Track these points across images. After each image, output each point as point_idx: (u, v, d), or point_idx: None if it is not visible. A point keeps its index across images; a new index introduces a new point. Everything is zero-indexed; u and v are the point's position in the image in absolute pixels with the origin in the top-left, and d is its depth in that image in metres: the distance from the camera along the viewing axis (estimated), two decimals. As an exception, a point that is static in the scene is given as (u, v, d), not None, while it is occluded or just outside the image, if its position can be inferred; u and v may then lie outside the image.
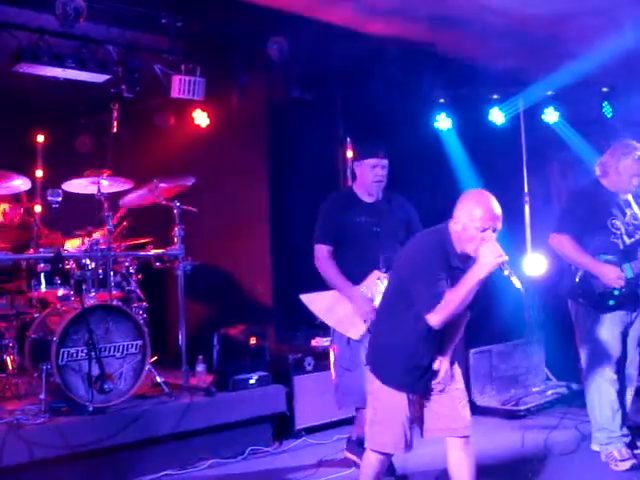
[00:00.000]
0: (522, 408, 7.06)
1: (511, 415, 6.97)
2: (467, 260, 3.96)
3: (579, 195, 5.56)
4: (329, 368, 5.62)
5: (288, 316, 7.19)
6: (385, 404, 4.12)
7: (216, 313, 7.64)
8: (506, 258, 3.78)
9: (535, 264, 8.01)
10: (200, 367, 6.37)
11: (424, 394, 4.14)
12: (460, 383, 4.23)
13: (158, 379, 6.10)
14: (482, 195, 4.01)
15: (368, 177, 5.27)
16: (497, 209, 3.95)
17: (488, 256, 3.78)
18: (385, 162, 5.28)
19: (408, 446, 4.12)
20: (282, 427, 6.37)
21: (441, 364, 4.12)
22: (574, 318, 5.55)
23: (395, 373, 4.09)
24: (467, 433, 4.13)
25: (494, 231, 3.91)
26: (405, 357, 4.06)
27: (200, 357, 6.41)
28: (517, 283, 3.83)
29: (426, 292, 3.87)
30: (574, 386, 7.49)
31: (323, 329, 7.19)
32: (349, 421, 6.64)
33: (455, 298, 3.81)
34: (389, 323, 4.16)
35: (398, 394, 4.08)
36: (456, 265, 3.97)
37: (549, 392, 7.61)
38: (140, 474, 5.45)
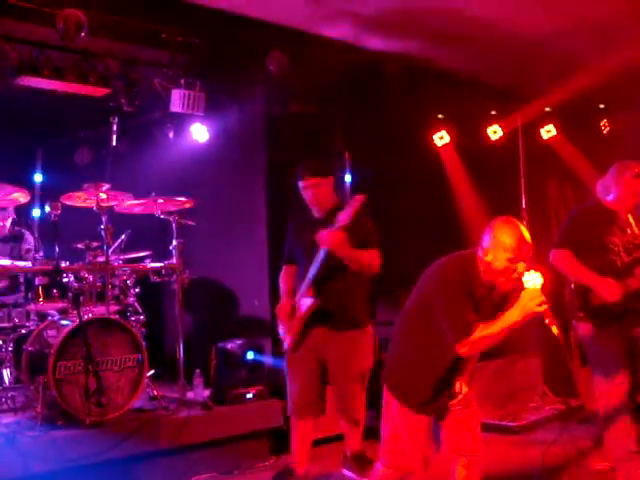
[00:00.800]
0: (519, 424, 7.06)
1: (508, 431, 6.97)
2: (493, 289, 3.85)
3: (579, 213, 5.57)
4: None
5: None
6: (403, 424, 4.03)
7: (213, 327, 7.63)
8: (547, 306, 3.64)
9: (533, 280, 7.99)
10: (197, 381, 6.35)
11: (442, 416, 4.06)
12: (475, 403, 4.16)
13: (155, 393, 6.09)
14: (513, 225, 3.85)
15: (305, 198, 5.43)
16: (529, 239, 3.82)
17: (529, 303, 3.64)
18: (312, 182, 5.28)
19: (426, 465, 4.05)
20: (279, 442, 6.35)
21: (461, 387, 4.04)
22: (577, 334, 5.54)
23: (416, 395, 3.99)
24: (475, 453, 4.07)
25: (525, 262, 3.78)
26: (430, 381, 3.96)
27: (197, 371, 6.39)
28: (556, 331, 3.71)
29: (455, 323, 3.74)
30: (571, 402, 7.48)
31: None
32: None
33: (487, 334, 3.70)
34: (411, 341, 4.04)
35: (417, 416, 4.01)
36: (481, 295, 3.83)
37: (546, 408, 7.60)
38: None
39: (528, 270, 3.75)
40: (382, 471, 4.13)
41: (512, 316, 3.66)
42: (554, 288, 7.63)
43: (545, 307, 3.64)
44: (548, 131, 8.57)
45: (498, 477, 5.55)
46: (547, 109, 8.42)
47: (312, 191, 5.28)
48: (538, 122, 8.57)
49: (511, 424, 7.08)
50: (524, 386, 7.86)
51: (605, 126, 8.77)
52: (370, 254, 5.15)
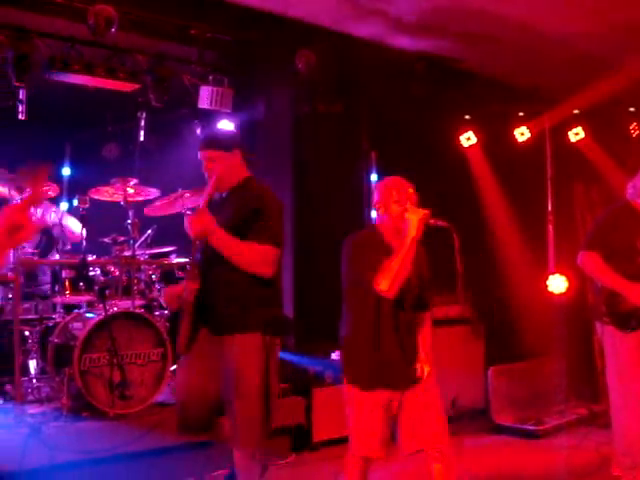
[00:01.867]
0: (541, 428, 7.03)
1: (530, 435, 6.94)
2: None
3: (608, 215, 5.53)
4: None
5: (308, 328, 7.20)
6: (359, 407, 4.14)
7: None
8: (427, 212, 3.98)
9: (558, 284, 7.98)
10: (220, 376, 6.37)
11: (401, 385, 4.13)
12: (436, 392, 4.23)
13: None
14: (387, 178, 4.29)
15: None
16: (403, 179, 4.24)
17: (413, 216, 3.96)
18: (206, 154, 4.37)
19: (383, 448, 4.14)
20: (300, 439, 6.36)
21: (419, 364, 4.18)
22: (600, 338, 5.51)
23: (362, 369, 4.13)
24: (444, 443, 4.13)
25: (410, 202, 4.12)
26: (367, 348, 4.09)
27: (220, 366, 6.40)
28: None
29: (360, 266, 4.04)
30: (594, 407, 7.44)
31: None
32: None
33: (395, 258, 3.92)
34: (345, 323, 4.24)
35: (369, 395, 4.09)
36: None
37: (569, 412, 7.56)
38: (158, 480, 5.47)
39: (412, 207, 4.07)
40: (347, 459, 4.26)
41: (408, 235, 3.95)
42: (579, 291, 7.66)
43: (427, 211, 3.99)
44: (576, 134, 8.51)
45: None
46: (575, 111, 8.36)
47: (207, 165, 4.39)
48: (566, 124, 8.52)
49: (534, 428, 7.05)
50: (547, 390, 7.81)
51: (635, 129, 8.70)
52: (257, 249, 4.08)
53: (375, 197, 4.27)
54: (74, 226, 6.64)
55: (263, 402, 4.15)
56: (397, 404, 4.13)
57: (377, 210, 4.25)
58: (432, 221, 4.03)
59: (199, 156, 4.41)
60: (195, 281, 4.11)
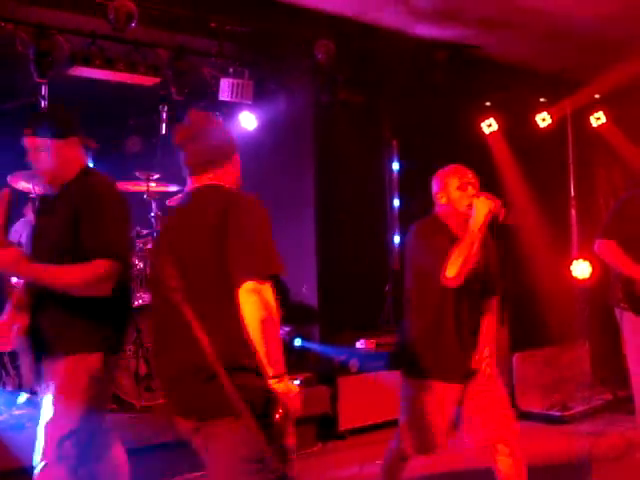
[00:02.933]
0: (567, 414, 7.02)
1: (555, 420, 6.94)
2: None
3: (625, 202, 5.50)
4: (374, 370, 5.61)
5: (333, 317, 7.23)
6: (429, 401, 4.00)
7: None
8: (499, 201, 3.90)
9: (581, 269, 7.96)
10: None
11: (462, 380, 4.02)
12: (500, 382, 4.15)
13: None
14: (445, 166, 4.18)
15: None
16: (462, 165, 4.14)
17: (481, 204, 3.88)
18: (30, 142, 3.67)
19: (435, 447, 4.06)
20: (326, 428, 6.40)
21: (480, 356, 4.06)
22: (620, 324, 5.50)
23: (441, 361, 4.00)
24: (514, 437, 4.01)
25: (473, 187, 4.04)
26: (446, 339, 3.99)
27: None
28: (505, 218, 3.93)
29: (431, 256, 3.94)
30: (620, 393, 7.41)
31: (369, 330, 7.25)
32: (395, 423, 6.68)
33: (462, 247, 3.84)
34: (414, 313, 4.14)
35: (445, 388, 3.98)
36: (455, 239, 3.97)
37: (594, 398, 7.54)
38: (184, 471, 5.51)
39: (477, 194, 3.99)
40: (393, 453, 4.18)
41: (475, 223, 3.86)
42: (603, 276, 7.63)
43: (496, 201, 3.89)
44: (598, 118, 8.46)
45: (545, 467, 5.53)
46: (596, 96, 8.31)
47: (32, 156, 3.68)
48: (587, 109, 8.47)
49: (559, 414, 7.04)
50: (572, 376, 7.80)
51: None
52: (80, 271, 3.35)
53: (435, 187, 4.15)
54: None
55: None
56: (468, 397, 4.03)
57: (438, 200, 4.12)
58: (501, 217, 3.90)
59: (24, 143, 3.68)
60: (24, 316, 3.50)
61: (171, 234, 3.08)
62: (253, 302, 2.73)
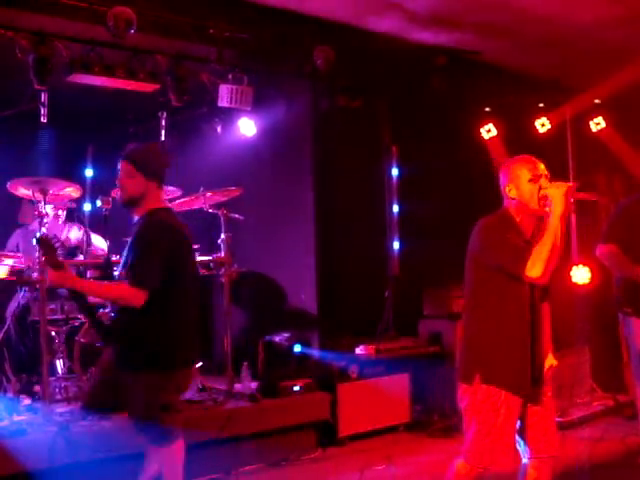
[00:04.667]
0: (567, 419, 7.00)
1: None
2: (541, 222, 3.78)
3: (626, 207, 5.52)
4: (374, 376, 5.61)
5: (332, 323, 7.22)
6: (494, 413, 3.70)
7: (261, 320, 7.70)
8: (572, 184, 3.70)
9: (581, 275, 7.96)
10: (245, 373, 6.43)
11: (534, 397, 3.77)
12: (551, 391, 3.92)
13: (204, 385, 6.17)
14: (513, 157, 3.97)
15: None
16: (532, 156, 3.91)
17: (557, 191, 3.65)
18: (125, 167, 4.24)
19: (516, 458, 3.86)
20: (326, 434, 6.40)
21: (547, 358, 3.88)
22: (622, 329, 5.50)
23: (508, 368, 3.72)
24: (550, 454, 3.85)
25: (546, 179, 3.80)
26: (518, 341, 3.72)
27: (245, 364, 6.46)
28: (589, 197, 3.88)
29: (507, 252, 3.67)
30: (620, 398, 7.41)
31: (369, 336, 7.25)
32: (394, 429, 6.70)
33: (546, 241, 3.60)
34: (481, 313, 3.83)
35: (513, 398, 3.71)
36: (530, 236, 3.77)
37: (594, 404, 7.53)
38: (184, 479, 5.50)
39: (553, 182, 3.77)
40: (461, 466, 3.81)
41: (554, 212, 3.64)
42: (602, 282, 7.63)
43: (570, 184, 3.68)
44: (597, 123, 8.46)
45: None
46: (596, 101, 8.31)
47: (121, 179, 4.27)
48: (587, 114, 8.47)
49: (559, 419, 6.99)
50: (572, 381, 7.79)
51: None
52: (111, 288, 4.33)
53: (503, 179, 3.87)
54: (100, 243, 6.66)
55: None
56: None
57: (507, 193, 3.83)
58: (581, 195, 3.75)
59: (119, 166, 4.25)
60: None
61: None
62: None
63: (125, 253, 4.21)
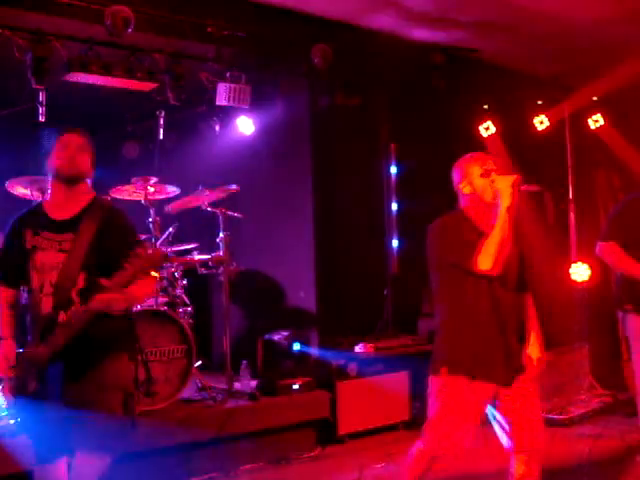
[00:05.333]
0: (566, 417, 7.02)
1: (555, 423, 6.92)
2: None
3: (626, 204, 5.51)
4: (373, 374, 5.60)
5: (331, 322, 7.22)
6: (455, 398, 3.83)
7: (260, 318, 7.70)
8: (517, 176, 3.80)
9: (580, 272, 7.96)
10: (244, 372, 6.43)
11: (504, 382, 3.83)
12: (536, 386, 4.01)
13: (203, 383, 6.18)
14: (463, 156, 4.08)
15: None
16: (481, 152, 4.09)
17: (503, 184, 3.78)
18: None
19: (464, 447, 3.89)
20: (325, 432, 6.40)
21: (530, 350, 3.94)
22: (622, 326, 5.50)
23: (465, 356, 3.83)
24: (536, 448, 3.92)
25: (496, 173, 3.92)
26: (470, 334, 3.84)
27: (244, 362, 6.46)
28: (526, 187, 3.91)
29: (457, 248, 3.81)
30: (619, 395, 7.41)
31: (368, 334, 7.25)
32: (394, 427, 6.70)
33: (494, 234, 3.72)
34: (440, 310, 4.01)
35: (473, 386, 3.80)
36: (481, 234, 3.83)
37: (594, 401, 7.54)
38: (183, 477, 5.51)
39: (499, 175, 3.89)
40: (418, 450, 3.94)
41: (502, 205, 3.75)
42: (602, 279, 7.64)
43: (517, 176, 3.80)
44: (596, 121, 8.46)
45: (544, 470, 5.50)
46: (594, 98, 8.31)
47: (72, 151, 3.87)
48: (586, 112, 8.47)
49: (558, 417, 7.03)
50: (571, 378, 7.79)
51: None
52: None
53: (456, 177, 4.02)
54: None
55: None
56: (501, 398, 3.87)
57: (461, 190, 3.99)
58: (524, 187, 3.83)
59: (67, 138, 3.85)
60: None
61: None
62: None
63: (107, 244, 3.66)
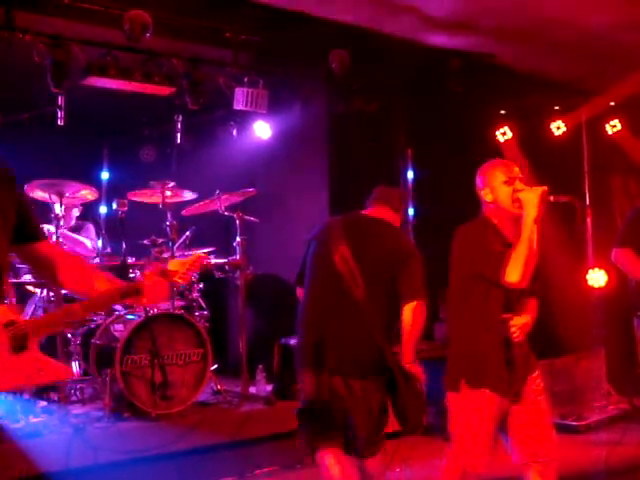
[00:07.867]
0: (582, 423, 6.97)
1: (571, 430, 6.89)
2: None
3: (638, 212, 5.49)
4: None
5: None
6: (480, 413, 3.79)
7: (276, 322, 7.69)
8: (545, 188, 3.73)
9: (597, 278, 7.93)
10: (260, 376, 6.43)
11: (510, 392, 3.81)
12: (545, 397, 3.98)
13: (219, 387, 6.19)
14: (487, 162, 4.02)
15: None
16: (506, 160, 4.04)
17: (531, 195, 3.70)
18: None
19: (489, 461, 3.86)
20: (340, 437, 6.38)
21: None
22: (638, 332, 5.48)
23: (490, 368, 3.79)
24: (550, 457, 3.89)
25: (520, 181, 3.86)
26: (496, 347, 3.80)
27: (260, 366, 6.47)
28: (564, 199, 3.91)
29: (485, 260, 3.74)
30: (636, 402, 7.37)
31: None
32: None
33: (521, 246, 3.65)
34: (462, 320, 3.95)
35: (496, 400, 3.77)
36: (506, 245, 3.79)
37: (610, 407, 7.50)
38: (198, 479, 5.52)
39: (525, 185, 3.82)
40: (448, 467, 3.96)
41: (527, 216, 3.68)
42: (618, 285, 7.60)
43: (543, 188, 3.71)
44: (613, 126, 8.43)
45: (560, 477, 5.49)
46: (612, 103, 8.28)
47: None
48: (603, 117, 8.44)
49: (574, 423, 6.99)
50: (588, 385, 7.75)
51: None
52: None
53: (479, 184, 3.94)
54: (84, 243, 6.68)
55: None
56: (512, 409, 3.84)
57: (484, 197, 3.90)
58: (552, 198, 3.76)
59: None
60: None
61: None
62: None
63: None
